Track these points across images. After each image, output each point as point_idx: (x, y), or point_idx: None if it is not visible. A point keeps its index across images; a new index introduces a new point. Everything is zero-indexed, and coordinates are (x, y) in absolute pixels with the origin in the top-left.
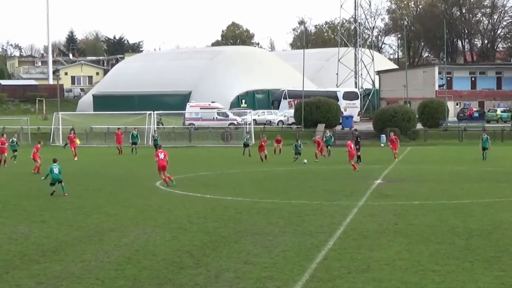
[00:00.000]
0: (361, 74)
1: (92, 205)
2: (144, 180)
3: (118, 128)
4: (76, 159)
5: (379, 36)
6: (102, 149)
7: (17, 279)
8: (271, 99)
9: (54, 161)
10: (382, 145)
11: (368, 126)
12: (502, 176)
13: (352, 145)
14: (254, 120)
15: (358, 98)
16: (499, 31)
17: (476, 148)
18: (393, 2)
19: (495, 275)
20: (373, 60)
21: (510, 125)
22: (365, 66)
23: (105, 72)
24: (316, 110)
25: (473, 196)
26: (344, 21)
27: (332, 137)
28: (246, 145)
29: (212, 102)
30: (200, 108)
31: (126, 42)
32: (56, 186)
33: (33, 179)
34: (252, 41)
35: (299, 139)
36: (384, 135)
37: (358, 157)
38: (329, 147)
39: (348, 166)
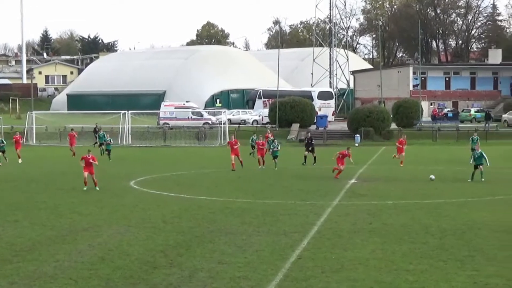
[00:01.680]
0: (336, 74)
1: (65, 205)
2: (118, 180)
3: (72, 129)
4: (20, 161)
5: (354, 36)
6: (76, 149)
7: None
8: (245, 99)
9: None
10: (356, 144)
11: (343, 126)
12: (476, 176)
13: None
14: (228, 119)
15: (332, 98)
16: (473, 32)
17: (451, 148)
18: (368, 2)
19: (468, 275)
20: (347, 60)
21: (484, 125)
22: (339, 66)
23: (80, 71)
24: (290, 110)
25: (446, 196)
26: (319, 21)
27: (275, 140)
28: (253, 146)
29: (187, 101)
30: (175, 108)
31: (100, 41)
32: None
33: (6, 178)
34: (227, 40)
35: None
36: (358, 135)
37: (314, 158)
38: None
39: (319, 166)
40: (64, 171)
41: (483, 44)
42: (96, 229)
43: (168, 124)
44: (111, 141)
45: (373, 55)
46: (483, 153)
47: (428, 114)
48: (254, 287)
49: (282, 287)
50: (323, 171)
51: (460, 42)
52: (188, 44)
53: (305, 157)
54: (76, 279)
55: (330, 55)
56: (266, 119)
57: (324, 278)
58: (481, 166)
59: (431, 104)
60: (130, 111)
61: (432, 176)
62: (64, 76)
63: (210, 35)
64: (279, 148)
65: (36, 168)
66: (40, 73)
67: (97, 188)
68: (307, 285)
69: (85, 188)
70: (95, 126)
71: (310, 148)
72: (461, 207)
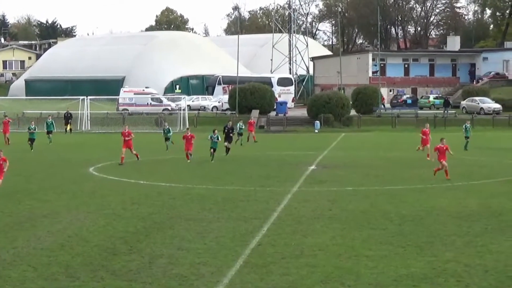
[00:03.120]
0: (296, 60)
1: (24, 191)
2: (77, 166)
3: (5, 116)
4: None
5: (314, 23)
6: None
7: None
8: (205, 85)
9: None
10: (316, 131)
11: (303, 112)
12: (435, 163)
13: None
14: (188, 105)
15: (292, 84)
16: (432, 18)
17: (410, 134)
18: None
19: (427, 260)
20: (307, 46)
21: (442, 111)
22: (299, 52)
23: (38, 56)
24: (250, 96)
25: (406, 182)
26: (278, 7)
27: (215, 131)
28: (240, 134)
29: (146, 87)
30: (134, 94)
31: (59, 26)
32: None
33: None
34: (186, 26)
35: (216, 130)
36: (318, 122)
37: (228, 149)
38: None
39: (279, 152)
40: (21, 157)
41: (442, 31)
42: (55, 216)
43: (128, 110)
44: (36, 128)
45: (332, 42)
46: None
47: (387, 101)
48: (214, 273)
49: (242, 273)
50: (283, 157)
51: (419, 29)
52: (147, 29)
53: (226, 148)
54: (35, 265)
55: (290, 41)
56: (226, 105)
57: (284, 264)
58: None
59: (391, 91)
60: (89, 97)
61: None
62: (22, 62)
63: (169, 21)
64: (218, 139)
65: None
66: None
67: None
68: (267, 271)
69: None
70: (65, 112)
71: (228, 139)
72: (420, 194)
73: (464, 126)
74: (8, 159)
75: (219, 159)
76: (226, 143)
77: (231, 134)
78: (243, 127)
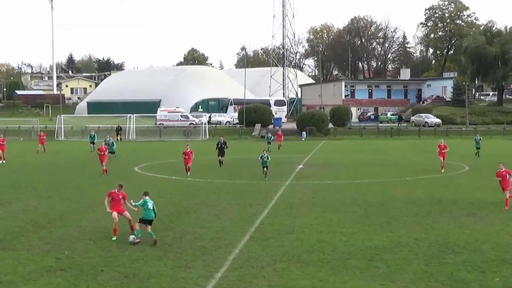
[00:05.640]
0: (288, 87)
1: (86, 185)
2: (125, 166)
3: (41, 130)
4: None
5: (301, 59)
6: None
7: (30, 240)
8: (221, 105)
9: (146, 194)
10: (303, 139)
11: (293, 125)
12: (390, 162)
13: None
14: (208, 121)
15: (285, 105)
16: (389, 56)
17: (373, 141)
18: (311, 33)
19: (386, 235)
20: (296, 76)
21: (397, 124)
22: (290, 81)
23: (96, 85)
24: (254, 113)
25: (370, 177)
26: (275, 47)
27: (264, 151)
28: (269, 142)
29: (177, 107)
30: (168, 112)
31: (112, 62)
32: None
33: (40, 165)
34: (206, 62)
35: (265, 150)
36: (304, 132)
37: (220, 162)
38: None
39: (276, 155)
40: (84, 159)
41: (396, 65)
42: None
43: (163, 124)
44: (114, 143)
45: (315, 73)
46: None
47: (356, 117)
48: (228, 245)
49: (249, 245)
50: (278, 159)
51: (379, 63)
52: (177, 64)
53: (219, 161)
54: (95, 240)
55: (283, 73)
56: (236, 120)
57: (280, 238)
58: None
59: (358, 109)
60: (134, 115)
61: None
62: (85, 88)
63: (194, 58)
64: (268, 159)
65: (63, 157)
66: (66, 86)
67: None
68: (267, 244)
69: None
70: (117, 125)
71: (221, 153)
72: (381, 186)
73: (474, 139)
74: (70, 161)
75: (229, 161)
76: (219, 157)
77: (224, 149)
78: (272, 137)
